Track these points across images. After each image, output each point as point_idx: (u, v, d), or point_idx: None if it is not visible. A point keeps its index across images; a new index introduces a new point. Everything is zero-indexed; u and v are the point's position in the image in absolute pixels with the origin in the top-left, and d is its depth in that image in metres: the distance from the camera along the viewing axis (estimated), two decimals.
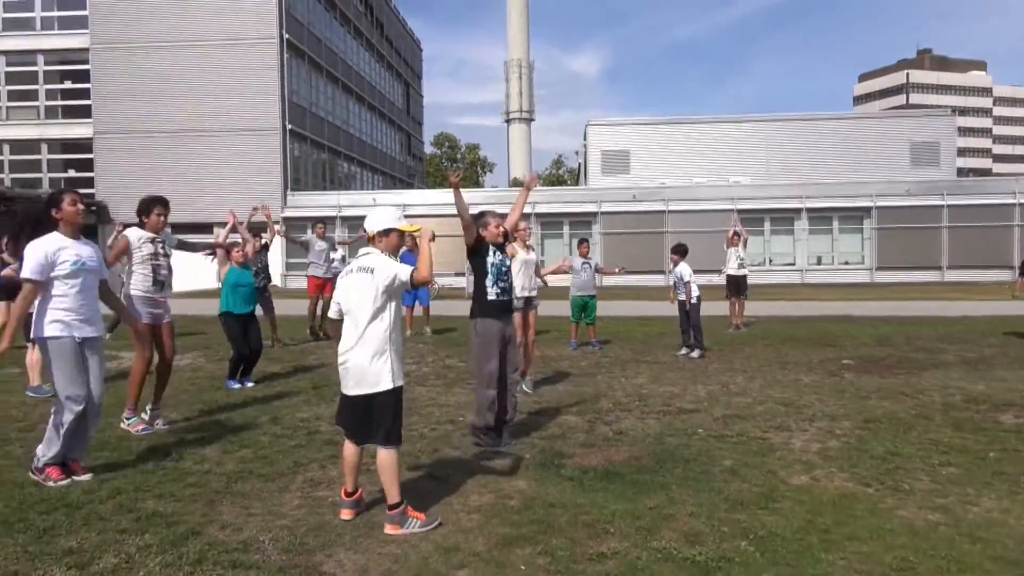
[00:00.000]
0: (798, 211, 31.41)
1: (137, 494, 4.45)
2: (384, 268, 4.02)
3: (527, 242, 7.73)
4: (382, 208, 4.41)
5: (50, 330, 4.69)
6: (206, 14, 32.07)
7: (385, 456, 4.01)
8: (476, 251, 5.66)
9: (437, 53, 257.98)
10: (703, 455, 5.32)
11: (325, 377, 8.64)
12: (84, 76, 32.74)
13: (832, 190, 31.95)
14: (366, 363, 3.98)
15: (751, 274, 14.36)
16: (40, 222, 4.84)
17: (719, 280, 14.23)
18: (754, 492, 4.53)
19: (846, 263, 31.69)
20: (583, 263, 11.26)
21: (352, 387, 4.04)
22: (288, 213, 31.15)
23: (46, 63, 33.53)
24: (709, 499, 4.39)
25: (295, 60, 34.26)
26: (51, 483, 4.61)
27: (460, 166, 75.20)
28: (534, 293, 7.85)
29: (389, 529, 3.91)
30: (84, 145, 32.72)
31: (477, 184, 67.95)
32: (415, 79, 59.29)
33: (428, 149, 71.51)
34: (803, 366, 9.29)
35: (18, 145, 33.53)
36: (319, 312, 12.07)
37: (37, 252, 4.68)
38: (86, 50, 32.44)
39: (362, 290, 4.00)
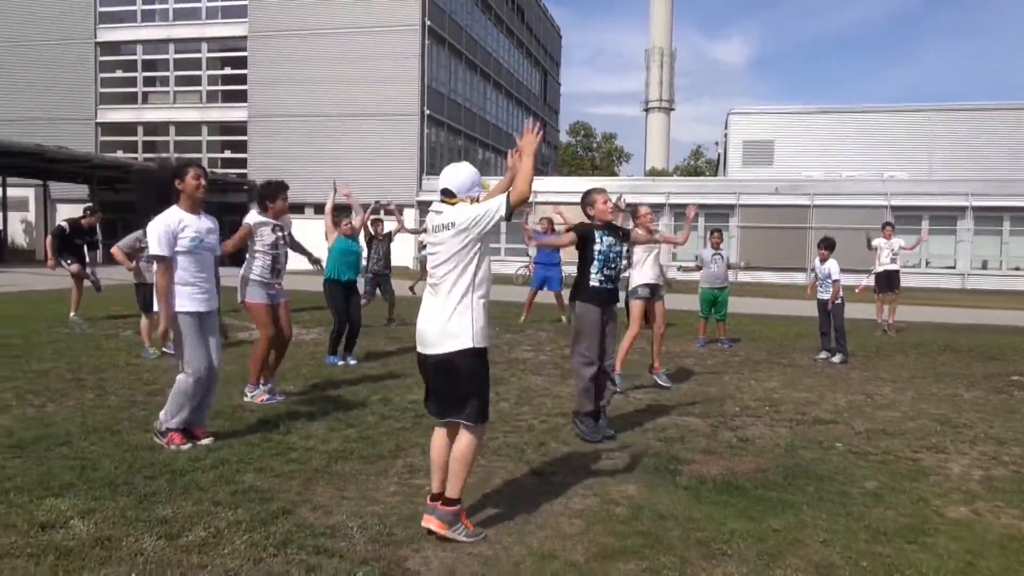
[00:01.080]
0: (962, 209, 28.72)
1: (239, 466, 4.43)
2: (466, 211, 3.51)
3: (650, 228, 7.26)
4: (464, 167, 3.69)
5: (181, 305, 4.79)
6: (353, 2, 33.15)
7: (466, 440, 3.57)
8: (584, 238, 5.49)
9: (577, 41, 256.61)
10: (841, 473, 4.72)
11: None
12: (242, 63, 34.73)
13: (1004, 187, 28.98)
14: (445, 319, 3.53)
15: (905, 275, 13.13)
16: (165, 191, 4.91)
17: (867, 282, 13.10)
18: (901, 522, 3.92)
19: (1016, 268, 28.70)
20: (714, 254, 10.61)
21: (429, 346, 3.60)
22: (423, 197, 31.78)
23: (209, 50, 35.81)
24: (846, 525, 3.84)
25: (436, 47, 34.84)
26: (172, 447, 4.71)
27: (595, 156, 74.44)
28: (660, 282, 7.35)
29: (432, 524, 3.51)
30: (239, 128, 34.74)
31: (612, 174, 66.99)
32: (553, 66, 59.09)
33: (563, 138, 71.20)
34: (963, 380, 8.28)
35: (183, 127, 36.05)
36: None
37: (160, 227, 4.76)
38: (244, 38, 34.38)
39: (444, 244, 3.55)
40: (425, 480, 4.33)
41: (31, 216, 35.30)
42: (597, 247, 5.45)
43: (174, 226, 4.80)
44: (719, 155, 50.82)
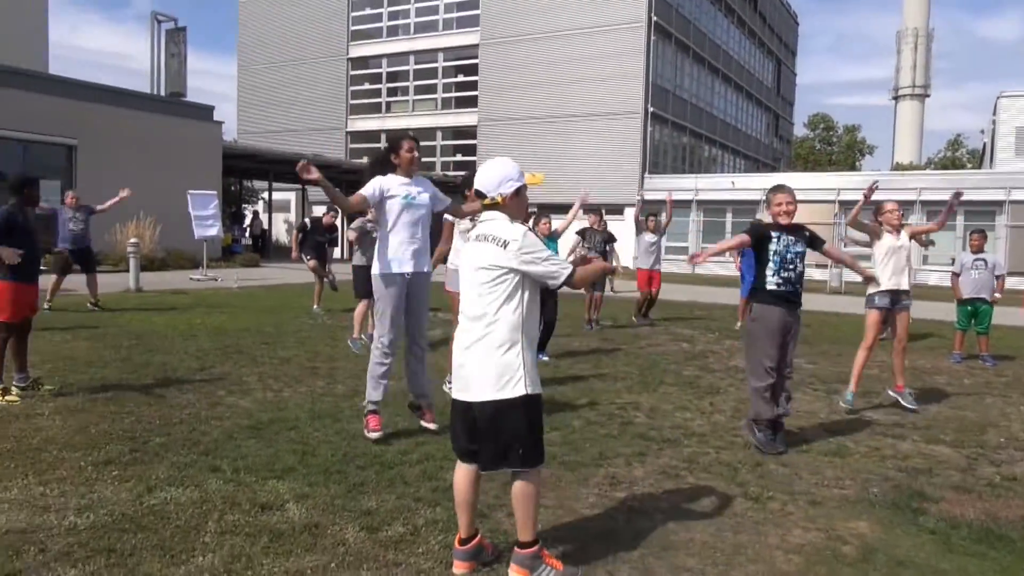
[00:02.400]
0: None
1: (443, 463, 4.46)
2: (522, 246, 3.01)
3: (895, 224, 6.41)
4: (495, 162, 3.22)
5: (381, 267, 4.92)
6: (580, 4, 33.47)
7: (520, 485, 3.04)
8: (760, 239, 5.10)
9: (816, 27, 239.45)
10: None
11: (652, 364, 8.23)
12: (473, 70, 36.43)
13: None
14: (490, 360, 3.02)
15: None
16: (383, 163, 5.06)
17: None
18: None
19: None
20: (975, 259, 9.24)
21: (466, 391, 3.09)
22: (648, 196, 31.33)
23: (444, 59, 37.96)
24: None
25: (661, 43, 34.20)
26: (366, 431, 4.88)
27: (834, 150, 69.10)
28: (906, 287, 6.46)
29: (515, 572, 3.06)
30: (470, 132, 36.47)
31: (853, 168, 61.78)
32: (788, 56, 55.65)
33: (799, 131, 66.88)
34: None
35: (419, 132, 38.46)
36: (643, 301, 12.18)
37: (374, 183, 4.90)
38: (476, 46, 36.03)
39: (488, 262, 3.05)
40: (627, 493, 4.11)
41: (292, 217, 39.61)
42: (773, 247, 5.04)
43: (385, 186, 4.89)
44: (984, 145, 44.97)
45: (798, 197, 5.21)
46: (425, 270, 5.07)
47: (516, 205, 3.17)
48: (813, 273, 18.46)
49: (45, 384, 6.01)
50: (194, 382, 6.45)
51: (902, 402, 6.43)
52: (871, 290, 6.40)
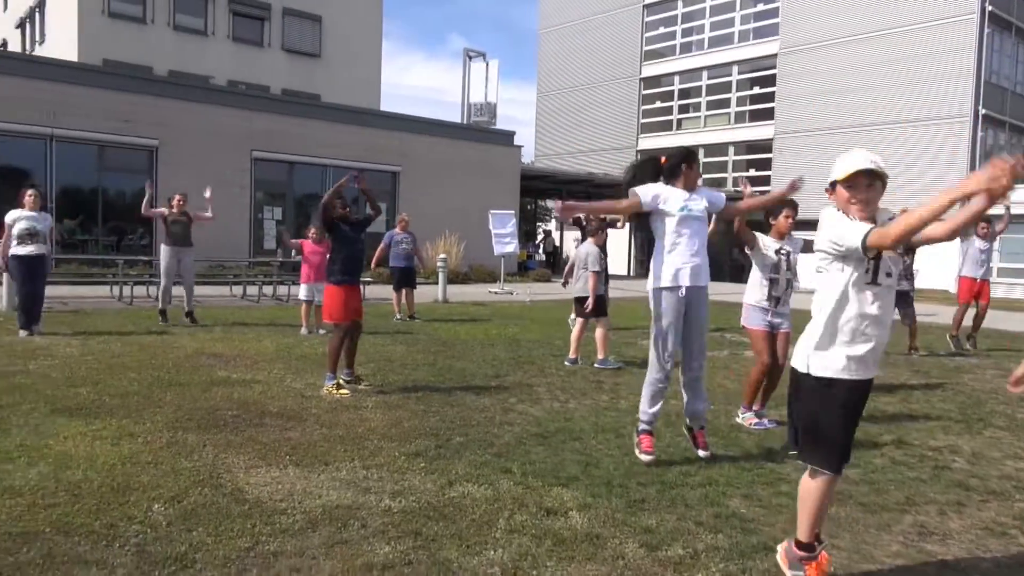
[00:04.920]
0: None
1: (726, 489, 4.32)
2: (827, 225, 3.01)
3: None
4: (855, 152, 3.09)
5: (658, 281, 4.81)
6: (896, 1, 30.53)
7: (804, 479, 3.16)
8: None
9: None
10: None
11: (976, 402, 7.19)
12: (770, 81, 34.92)
13: None
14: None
15: None
16: (672, 169, 4.92)
17: None
18: None
19: None
20: None
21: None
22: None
23: (739, 72, 36.87)
24: None
25: (998, 34, 29.95)
26: (637, 452, 4.81)
27: None
28: None
29: (779, 551, 3.28)
30: (764, 146, 34.97)
31: None
32: None
33: None
34: None
35: (711, 148, 37.83)
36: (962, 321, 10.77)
37: (651, 188, 4.81)
38: (774, 56, 34.52)
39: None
40: (941, 547, 3.66)
41: (578, 234, 41.07)
42: None
43: (662, 194, 4.79)
44: None
45: None
46: (703, 284, 4.87)
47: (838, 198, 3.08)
48: None
49: (365, 381, 6.89)
50: (490, 388, 6.95)
51: None
52: None
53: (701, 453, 4.91)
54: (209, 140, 19.06)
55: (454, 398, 6.46)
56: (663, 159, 5.00)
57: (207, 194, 10.62)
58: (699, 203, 4.84)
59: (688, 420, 5.05)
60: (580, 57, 41.99)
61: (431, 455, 4.78)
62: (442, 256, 16.55)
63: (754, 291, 5.91)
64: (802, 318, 3.48)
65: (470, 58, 31.53)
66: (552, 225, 38.97)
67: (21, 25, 31.67)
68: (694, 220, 4.81)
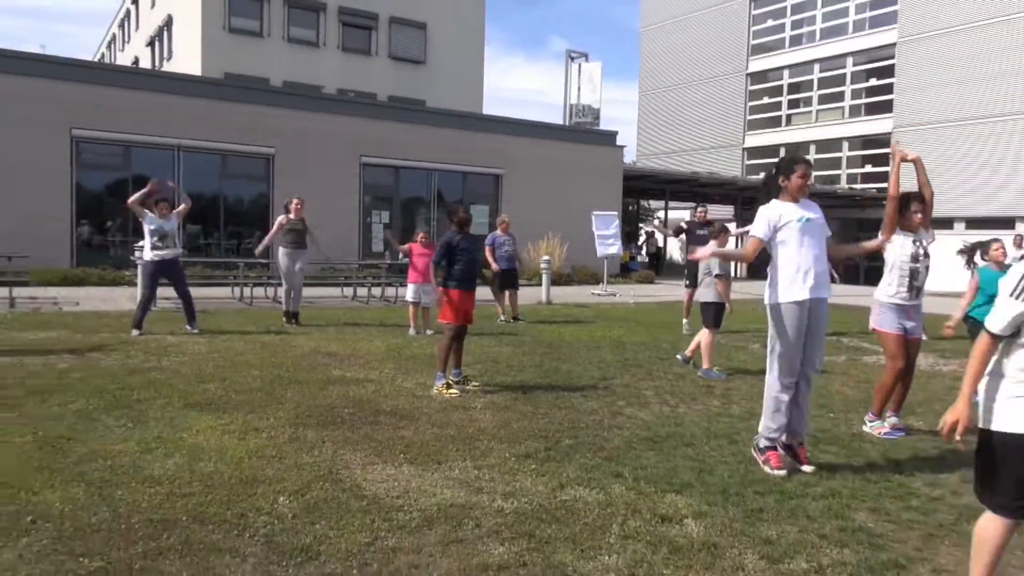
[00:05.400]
0: None
1: (850, 501, 4.12)
2: None
3: None
4: None
5: (782, 296, 4.66)
6: None
7: (979, 521, 2.82)
8: None
9: None
10: None
11: None
12: (888, 72, 33.21)
13: None
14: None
15: None
16: (767, 186, 4.86)
17: None
18: None
19: None
20: None
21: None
22: None
23: (854, 64, 35.23)
24: None
25: None
26: (767, 469, 4.63)
27: None
28: None
29: None
30: (882, 140, 33.27)
31: None
32: None
33: None
34: None
35: (823, 144, 36.33)
36: None
37: (762, 220, 4.72)
38: (892, 45, 32.81)
39: None
40: None
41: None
42: None
43: (774, 218, 4.68)
44: None
45: None
46: (824, 296, 4.70)
47: None
48: None
49: (473, 381, 6.98)
50: (597, 391, 6.91)
51: None
52: None
53: (807, 468, 4.68)
54: (320, 147, 19.82)
55: (562, 400, 6.45)
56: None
57: (295, 202, 11.13)
58: (815, 211, 4.74)
59: (785, 437, 4.80)
60: (683, 54, 41.21)
61: (541, 457, 4.78)
62: (545, 258, 16.58)
63: (889, 286, 5.61)
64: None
65: (572, 59, 31.49)
66: (655, 225, 38.43)
67: (151, 43, 33.89)
68: (814, 227, 4.69)
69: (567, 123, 30.29)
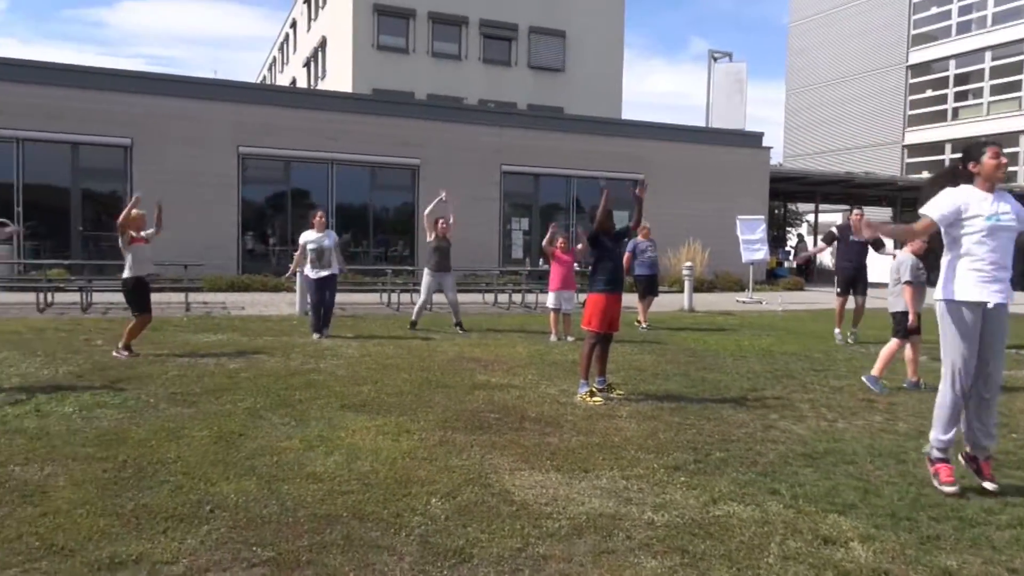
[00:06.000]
0: None
1: None
2: None
3: None
4: None
5: (953, 294, 4.29)
6: None
7: None
8: None
9: None
10: None
11: None
12: None
13: None
14: None
15: None
16: (954, 174, 4.46)
17: None
18: None
19: None
20: None
21: None
22: None
23: None
24: None
25: None
26: (936, 483, 4.30)
27: None
28: None
29: None
30: None
31: None
32: None
33: None
34: None
35: (996, 139, 33.28)
36: None
37: (948, 199, 4.31)
38: None
39: None
40: None
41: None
42: None
43: (962, 203, 4.25)
44: None
45: None
46: (1006, 301, 4.27)
47: None
48: None
49: (617, 389, 6.89)
50: (747, 402, 6.64)
51: None
52: None
53: (989, 485, 4.30)
54: (463, 156, 20.34)
55: (710, 411, 6.25)
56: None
57: (443, 196, 11.03)
58: (1008, 211, 4.28)
59: (969, 448, 4.45)
60: (835, 48, 39.12)
61: (691, 469, 4.64)
62: (687, 264, 16.19)
63: None
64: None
65: (715, 59, 30.63)
66: (804, 229, 36.62)
67: (307, 63, 36.10)
68: (1003, 231, 4.26)
69: (710, 125, 29.46)
